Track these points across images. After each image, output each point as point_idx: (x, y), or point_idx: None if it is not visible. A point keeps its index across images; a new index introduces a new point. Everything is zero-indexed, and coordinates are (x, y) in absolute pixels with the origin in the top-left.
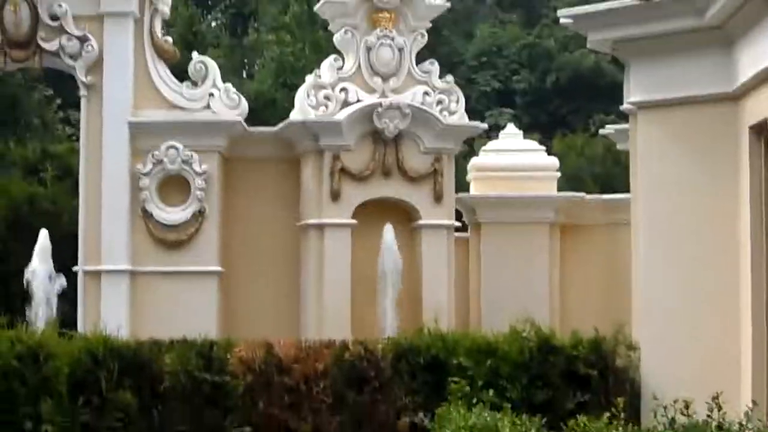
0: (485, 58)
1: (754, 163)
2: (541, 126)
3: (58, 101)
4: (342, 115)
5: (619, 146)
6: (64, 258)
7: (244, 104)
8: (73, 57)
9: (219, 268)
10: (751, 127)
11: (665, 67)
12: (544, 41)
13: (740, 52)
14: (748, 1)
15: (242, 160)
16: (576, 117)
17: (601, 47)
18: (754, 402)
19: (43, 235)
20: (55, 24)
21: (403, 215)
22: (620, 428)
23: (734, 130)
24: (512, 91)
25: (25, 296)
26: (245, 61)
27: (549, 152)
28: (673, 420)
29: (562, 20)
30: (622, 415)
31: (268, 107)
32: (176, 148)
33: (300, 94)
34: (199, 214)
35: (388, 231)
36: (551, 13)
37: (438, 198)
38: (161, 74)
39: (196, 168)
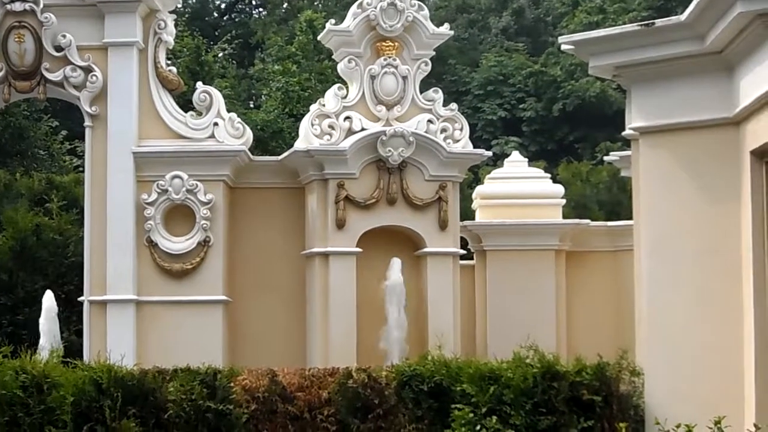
0: (491, 87)
1: (756, 187)
2: (548, 154)
3: (64, 132)
4: (346, 143)
5: (623, 173)
6: (70, 288)
7: (249, 133)
8: (78, 87)
9: (224, 297)
10: (752, 152)
11: (666, 93)
12: (550, 69)
13: (741, 77)
14: (748, 26)
15: (247, 189)
16: (583, 144)
17: (602, 73)
18: (756, 426)
19: (48, 296)
20: (59, 54)
21: (408, 243)
22: None
23: (735, 154)
24: (519, 119)
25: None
26: (252, 91)
27: (554, 179)
28: None
29: (564, 47)
30: None
31: (275, 137)
32: (181, 178)
33: (304, 123)
34: (204, 244)
35: (395, 265)
36: (557, 41)
37: (443, 225)
38: (166, 104)
39: (201, 197)
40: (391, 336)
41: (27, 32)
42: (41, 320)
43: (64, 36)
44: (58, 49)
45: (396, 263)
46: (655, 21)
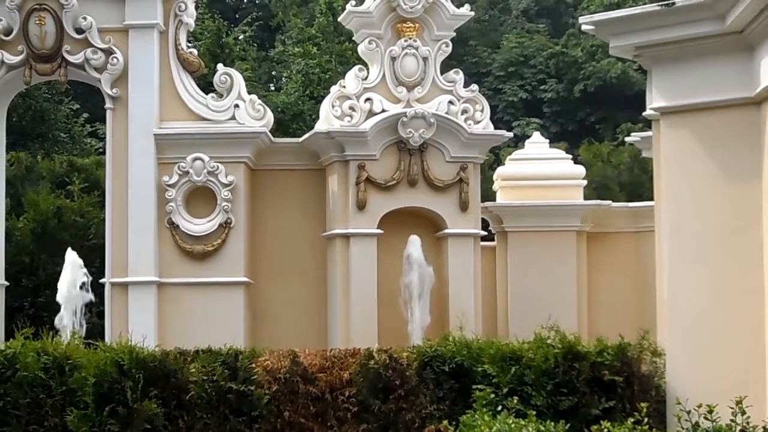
0: (512, 68)
1: None
2: (568, 135)
3: (85, 115)
4: (367, 125)
5: (645, 154)
6: (92, 270)
7: (270, 115)
8: (99, 70)
9: (245, 279)
10: None
11: (687, 73)
12: (571, 50)
13: (761, 57)
14: None
15: (268, 171)
16: (604, 126)
17: (623, 54)
18: None
19: (71, 254)
20: (80, 37)
21: (429, 224)
22: None
23: (756, 133)
24: (539, 100)
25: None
26: (272, 73)
27: (575, 161)
28: (696, 425)
29: (584, 27)
30: (646, 420)
31: (295, 119)
32: (202, 160)
33: (325, 105)
34: (226, 225)
35: (413, 242)
36: (578, 23)
37: (464, 207)
38: (186, 86)
39: (222, 179)
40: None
41: (48, 15)
42: (63, 274)
43: (84, 18)
44: (79, 31)
45: (415, 240)
46: (676, 1)
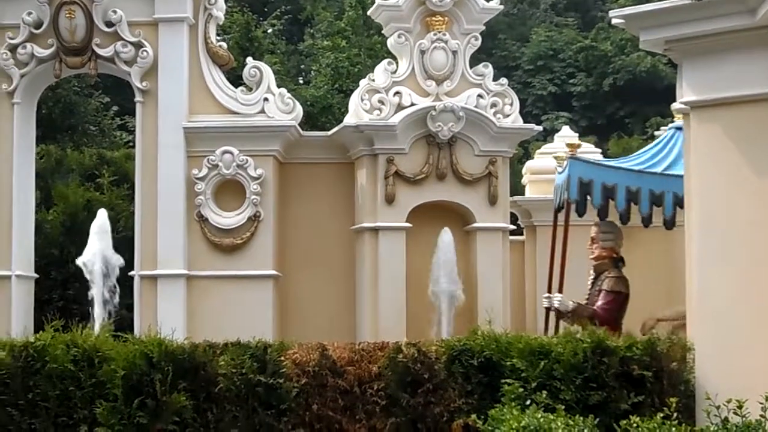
0: (541, 62)
1: None
2: (597, 129)
3: (115, 108)
4: (396, 118)
5: None
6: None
7: (299, 109)
8: (128, 63)
9: (274, 272)
10: None
11: (718, 67)
12: (601, 44)
13: None
14: None
15: (297, 165)
16: (633, 120)
17: (653, 47)
18: None
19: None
20: (110, 30)
21: (458, 218)
22: (673, 428)
23: None
24: (569, 94)
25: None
26: (301, 66)
27: (605, 155)
28: (725, 420)
29: (614, 21)
30: (676, 415)
31: (324, 112)
32: (231, 153)
33: (354, 98)
34: (255, 218)
35: (445, 234)
36: (607, 16)
37: (493, 201)
38: (216, 79)
39: (251, 172)
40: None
41: (78, 8)
42: (91, 238)
43: (114, 12)
44: (109, 24)
45: (446, 232)
46: None
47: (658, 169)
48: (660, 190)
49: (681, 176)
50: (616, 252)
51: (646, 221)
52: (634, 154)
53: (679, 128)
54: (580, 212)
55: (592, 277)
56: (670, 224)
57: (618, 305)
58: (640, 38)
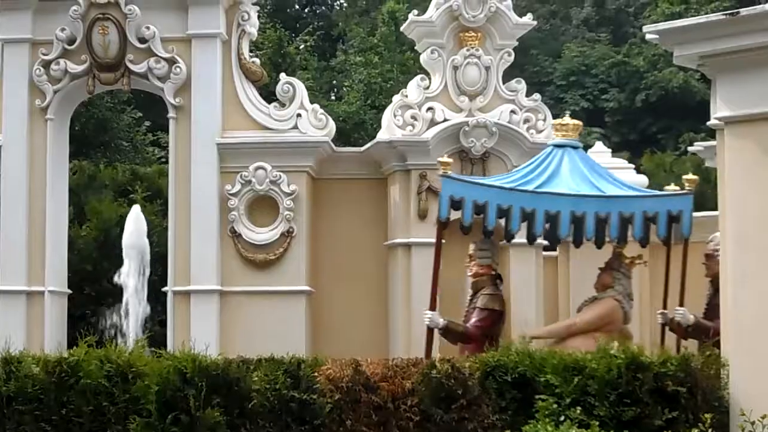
0: (574, 77)
1: None
2: (630, 144)
3: (147, 124)
4: (429, 134)
5: (708, 163)
6: (154, 279)
7: (332, 124)
8: (162, 79)
9: (307, 288)
10: None
11: (752, 82)
12: (633, 60)
13: None
14: None
15: (330, 180)
16: (666, 135)
17: (687, 63)
18: None
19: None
20: (143, 46)
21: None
22: None
23: None
24: (601, 110)
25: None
26: (333, 82)
27: (638, 171)
28: None
29: (648, 36)
30: (710, 431)
31: (357, 128)
32: (264, 169)
33: (387, 114)
34: (288, 234)
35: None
36: (639, 32)
37: None
38: (249, 95)
39: (285, 188)
40: None
41: (111, 24)
42: (125, 236)
43: (148, 28)
44: (142, 40)
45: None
46: (740, 10)
47: (530, 187)
48: (531, 208)
49: (553, 194)
50: (494, 269)
51: (509, 238)
52: (510, 172)
53: (557, 146)
54: (465, 230)
55: (469, 294)
56: (533, 241)
57: (490, 322)
58: (674, 54)
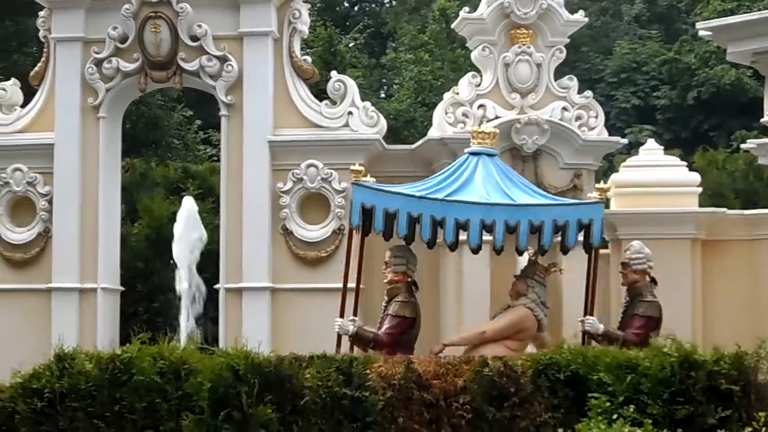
0: (625, 75)
1: None
2: (682, 142)
3: (198, 122)
4: None
5: (761, 161)
6: (206, 276)
7: (383, 122)
8: (213, 77)
9: None
10: None
11: None
12: (685, 57)
13: None
14: None
15: (381, 178)
16: (717, 133)
17: (740, 59)
18: None
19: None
20: (194, 44)
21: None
22: None
23: None
24: (652, 107)
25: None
26: (383, 80)
27: (690, 168)
28: None
29: (701, 33)
30: (764, 429)
31: (407, 126)
32: (316, 167)
33: (438, 111)
34: (339, 232)
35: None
36: (691, 29)
37: None
38: (300, 93)
39: (336, 186)
40: None
41: (163, 22)
42: (177, 224)
43: (199, 26)
44: (194, 39)
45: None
46: None
47: (440, 195)
48: (441, 216)
49: (464, 202)
50: (409, 276)
51: (431, 245)
52: (421, 180)
53: (473, 153)
54: (386, 237)
55: (385, 301)
56: (453, 248)
57: (402, 329)
58: (727, 50)
